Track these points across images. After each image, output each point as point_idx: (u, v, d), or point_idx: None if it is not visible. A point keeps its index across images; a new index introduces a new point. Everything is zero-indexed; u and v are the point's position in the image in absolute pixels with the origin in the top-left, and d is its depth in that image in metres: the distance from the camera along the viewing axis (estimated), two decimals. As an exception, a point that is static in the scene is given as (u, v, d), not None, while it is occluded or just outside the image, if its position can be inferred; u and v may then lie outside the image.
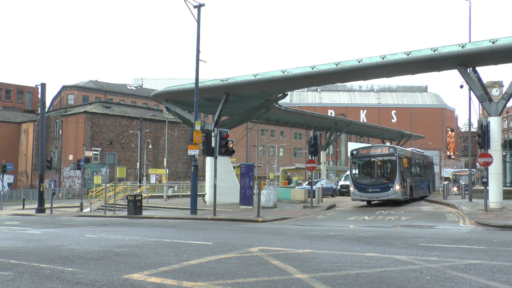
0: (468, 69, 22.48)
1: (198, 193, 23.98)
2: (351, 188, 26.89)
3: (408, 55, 23.08)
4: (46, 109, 44.97)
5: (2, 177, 40.22)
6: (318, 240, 11.43)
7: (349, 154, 28.68)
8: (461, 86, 32.22)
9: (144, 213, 24.63)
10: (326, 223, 17.90)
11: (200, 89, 26.01)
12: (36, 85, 35.36)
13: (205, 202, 30.02)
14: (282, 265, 7.76)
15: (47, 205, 30.38)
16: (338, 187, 41.64)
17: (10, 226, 18.62)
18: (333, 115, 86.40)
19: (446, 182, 33.18)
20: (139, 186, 41.19)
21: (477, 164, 27.04)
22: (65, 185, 54.99)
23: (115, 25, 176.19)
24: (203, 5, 22.83)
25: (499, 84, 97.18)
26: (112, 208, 27.82)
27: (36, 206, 30.75)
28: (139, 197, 24.78)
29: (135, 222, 19.62)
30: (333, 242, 11.03)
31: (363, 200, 26.84)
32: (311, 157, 25.95)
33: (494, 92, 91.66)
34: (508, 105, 33.96)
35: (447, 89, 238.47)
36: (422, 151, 37.26)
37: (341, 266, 7.70)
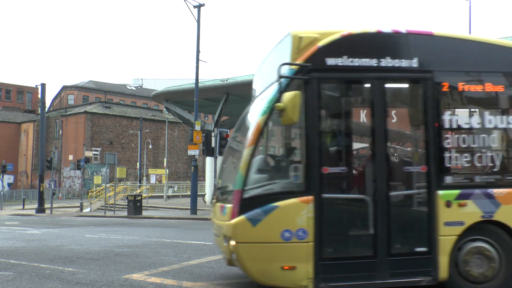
0: (468, 69, 22.43)
1: (198, 193, 23.98)
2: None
3: (408, 55, 23.01)
4: (46, 109, 44.97)
5: (2, 177, 40.22)
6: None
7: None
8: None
9: (144, 213, 24.63)
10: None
11: (200, 89, 26.01)
12: (36, 85, 35.42)
13: (205, 202, 30.00)
14: (282, 265, 7.74)
15: (47, 205, 30.37)
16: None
17: (10, 226, 18.62)
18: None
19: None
20: (139, 186, 41.21)
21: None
22: (65, 185, 55.00)
23: (115, 25, 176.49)
24: (203, 5, 22.83)
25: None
26: (112, 208, 27.82)
27: (36, 206, 30.73)
28: (139, 197, 24.78)
29: (135, 222, 19.62)
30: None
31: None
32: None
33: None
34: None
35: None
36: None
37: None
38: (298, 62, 5.45)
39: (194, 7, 22.78)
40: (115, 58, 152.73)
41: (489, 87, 5.86)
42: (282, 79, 5.36)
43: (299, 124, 5.42)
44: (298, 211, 5.22)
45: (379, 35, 5.76)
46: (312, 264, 5.19)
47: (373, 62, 5.56)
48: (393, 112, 5.98)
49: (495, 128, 5.83)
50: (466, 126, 5.77)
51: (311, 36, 5.51)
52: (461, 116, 5.76)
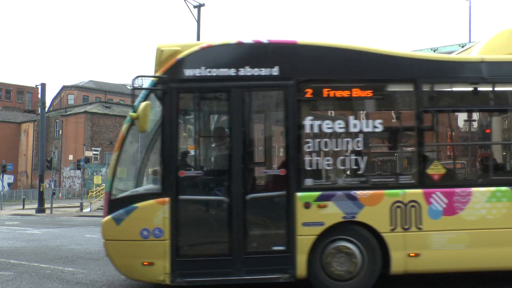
0: (468, 69, 22.39)
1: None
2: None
3: (408, 55, 23.03)
4: (46, 109, 44.96)
5: (2, 177, 40.23)
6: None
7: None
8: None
9: (144, 213, 24.57)
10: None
11: (200, 89, 26.03)
12: (36, 85, 35.44)
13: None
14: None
15: (47, 205, 30.40)
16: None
17: (10, 226, 18.64)
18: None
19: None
20: (139, 186, 41.09)
21: None
22: (65, 185, 55.01)
23: (115, 25, 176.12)
24: (203, 5, 22.84)
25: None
26: (112, 208, 27.76)
27: (36, 206, 30.75)
28: (139, 197, 24.68)
29: (135, 222, 19.58)
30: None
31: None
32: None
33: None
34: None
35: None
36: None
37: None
38: (158, 74, 5.84)
39: (194, 7, 22.79)
40: (115, 58, 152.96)
41: (356, 93, 5.99)
42: (136, 90, 5.89)
43: (159, 131, 5.85)
44: (155, 212, 5.59)
45: (239, 46, 6.03)
46: (169, 260, 5.56)
47: (231, 71, 5.81)
48: (253, 117, 6.22)
49: (360, 132, 5.91)
50: (329, 131, 5.87)
51: (172, 49, 5.87)
52: (324, 121, 5.89)
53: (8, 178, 54.64)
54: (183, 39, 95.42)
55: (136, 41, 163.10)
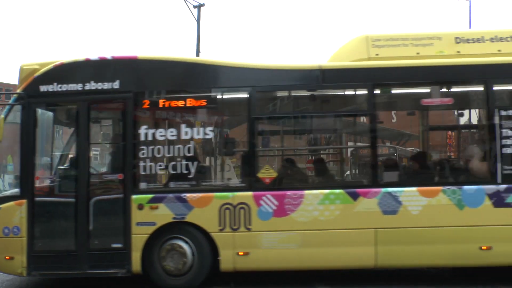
0: (467, 68, 22.37)
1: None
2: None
3: (407, 54, 23.04)
4: (46, 109, 44.80)
5: (3, 177, 40.16)
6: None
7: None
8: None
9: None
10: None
11: (200, 89, 25.98)
12: (36, 85, 35.22)
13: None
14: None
15: (47, 205, 30.32)
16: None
17: (11, 226, 18.55)
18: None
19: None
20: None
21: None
22: (65, 185, 54.87)
23: (114, 25, 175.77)
24: (203, 5, 22.82)
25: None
26: (113, 208, 27.69)
27: (36, 206, 30.70)
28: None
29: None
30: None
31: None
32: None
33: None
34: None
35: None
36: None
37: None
38: (19, 90, 6.57)
39: (194, 7, 22.76)
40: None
41: (190, 102, 6.41)
42: None
43: (19, 141, 6.49)
44: (14, 212, 6.31)
45: (86, 63, 6.57)
46: (26, 255, 6.24)
47: (78, 86, 6.41)
48: (97, 128, 6.99)
49: (192, 139, 6.38)
50: (162, 138, 6.40)
51: (32, 67, 6.57)
52: (158, 130, 6.43)
53: (8, 178, 54.50)
54: (183, 39, 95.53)
55: (136, 41, 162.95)
